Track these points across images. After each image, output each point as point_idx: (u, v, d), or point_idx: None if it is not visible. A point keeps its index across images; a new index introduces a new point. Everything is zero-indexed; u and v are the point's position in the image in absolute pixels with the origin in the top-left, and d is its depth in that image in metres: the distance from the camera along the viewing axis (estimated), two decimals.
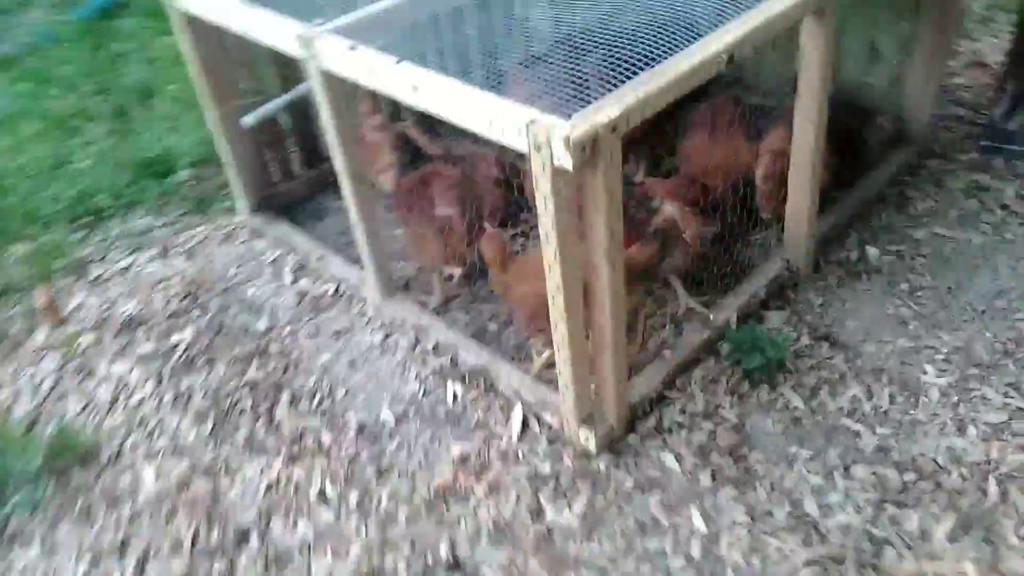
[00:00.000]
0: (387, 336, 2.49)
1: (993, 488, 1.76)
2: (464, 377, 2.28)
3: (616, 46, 1.73)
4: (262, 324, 2.63)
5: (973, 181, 2.72)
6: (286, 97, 2.93)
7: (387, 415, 2.22)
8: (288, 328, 2.60)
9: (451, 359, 2.32)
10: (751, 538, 1.75)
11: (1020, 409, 1.94)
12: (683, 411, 2.06)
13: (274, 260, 2.91)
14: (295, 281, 2.80)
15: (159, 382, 2.45)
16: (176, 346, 2.56)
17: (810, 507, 1.80)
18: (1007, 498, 1.75)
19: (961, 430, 1.92)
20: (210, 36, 2.61)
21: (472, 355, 2.28)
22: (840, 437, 1.96)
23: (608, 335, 1.78)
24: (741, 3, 1.77)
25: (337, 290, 2.71)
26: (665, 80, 1.52)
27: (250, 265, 2.91)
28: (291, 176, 3.15)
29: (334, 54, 1.88)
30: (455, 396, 2.24)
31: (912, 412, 1.99)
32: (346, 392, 2.33)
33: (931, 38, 2.54)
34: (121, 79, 4.27)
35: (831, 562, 1.68)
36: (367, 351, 2.45)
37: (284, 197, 3.12)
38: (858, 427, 1.97)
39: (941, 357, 2.12)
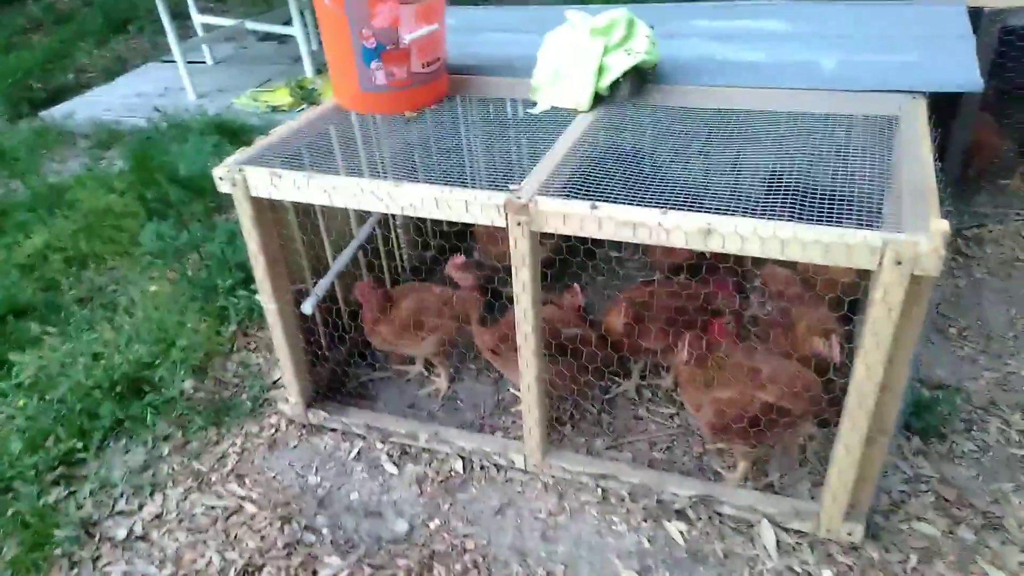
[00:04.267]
0: (561, 496, 2.33)
1: None
2: (681, 512, 2.22)
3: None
4: (399, 527, 2.30)
5: None
6: (333, 272, 2.69)
7: None
8: (435, 522, 2.30)
9: (656, 499, 2.25)
10: None
11: None
12: (900, 480, 2.24)
13: (358, 453, 2.57)
14: (402, 469, 2.49)
15: None
16: None
17: None
18: None
19: None
20: (272, 227, 2.34)
21: (680, 487, 2.24)
22: (1019, 463, 2.28)
23: (890, 427, 1.91)
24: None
25: (466, 465, 2.47)
26: (931, 185, 1.78)
27: (330, 467, 2.53)
28: (324, 359, 2.82)
29: (573, 215, 1.84)
30: (683, 535, 2.17)
31: None
32: (565, 568, 2.12)
33: None
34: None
35: None
36: (551, 518, 2.27)
37: (325, 383, 2.78)
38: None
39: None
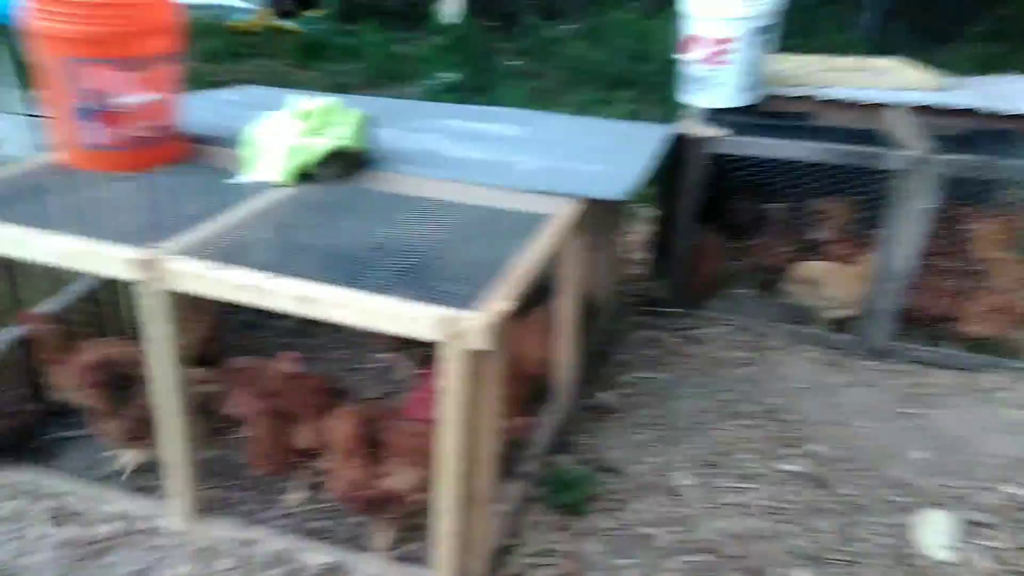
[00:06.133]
0: (203, 561, 2.31)
1: (760, 547, 2.42)
2: None
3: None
4: None
5: (645, 336, 3.65)
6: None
7: None
8: None
9: (292, 567, 2.28)
10: None
11: (746, 489, 2.68)
12: (527, 553, 2.37)
13: (16, 513, 2.48)
14: (53, 530, 2.42)
15: None
16: None
17: None
18: (774, 557, 2.41)
19: (719, 514, 2.57)
20: None
21: (317, 554, 2.29)
22: (645, 542, 2.46)
23: (485, 495, 2.05)
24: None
25: (118, 529, 2.42)
26: (523, 272, 1.99)
27: None
28: (10, 414, 2.75)
29: (191, 274, 1.95)
30: None
31: (682, 509, 2.59)
32: None
33: (604, 237, 3.47)
34: None
35: None
36: None
37: (8, 439, 2.70)
38: (653, 531, 2.50)
39: (684, 465, 2.80)
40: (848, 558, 2.38)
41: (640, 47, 8.01)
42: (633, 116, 6.77)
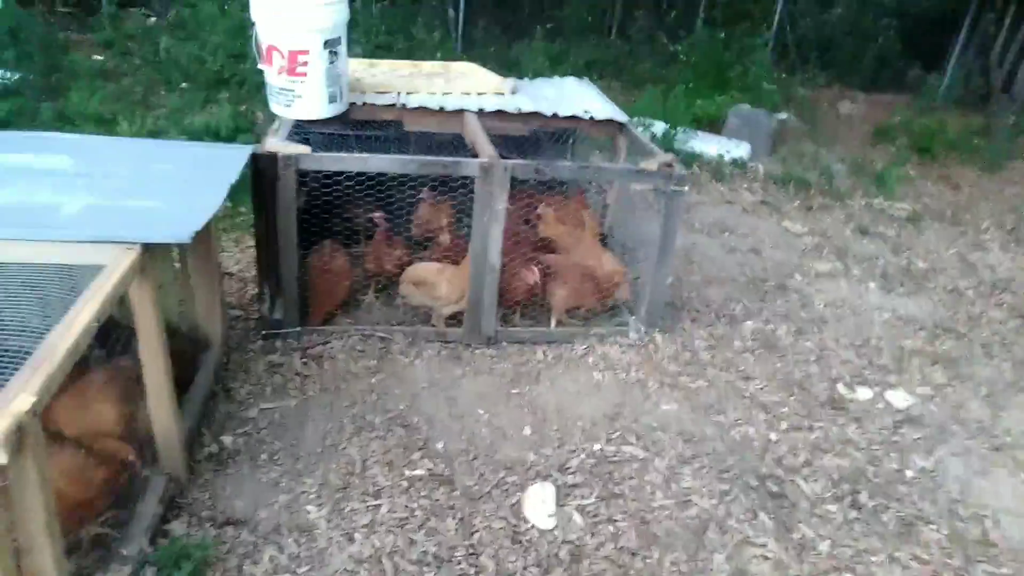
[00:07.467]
0: None
1: (392, 563, 2.47)
2: None
3: None
4: None
5: (269, 362, 3.48)
6: None
7: None
8: None
9: None
10: None
11: (377, 506, 2.71)
12: None
13: None
14: None
15: None
16: None
17: None
18: (403, 570, 2.47)
19: (351, 539, 2.56)
20: None
21: None
22: None
23: None
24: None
25: None
26: (60, 355, 1.69)
27: None
28: None
29: None
30: None
31: (315, 544, 2.54)
32: None
33: (202, 266, 3.19)
34: None
35: None
36: None
37: None
38: None
39: (314, 495, 2.74)
40: (470, 550, 2.55)
41: (237, 43, 7.58)
42: (236, 119, 6.41)
